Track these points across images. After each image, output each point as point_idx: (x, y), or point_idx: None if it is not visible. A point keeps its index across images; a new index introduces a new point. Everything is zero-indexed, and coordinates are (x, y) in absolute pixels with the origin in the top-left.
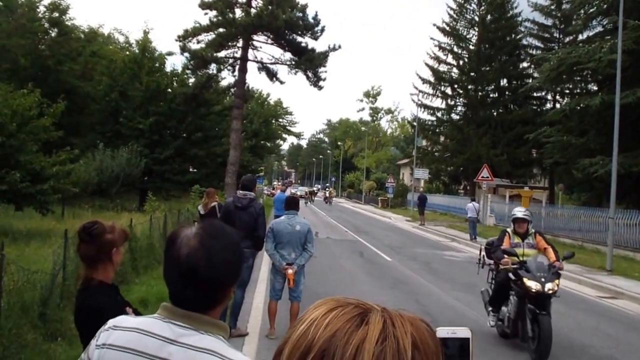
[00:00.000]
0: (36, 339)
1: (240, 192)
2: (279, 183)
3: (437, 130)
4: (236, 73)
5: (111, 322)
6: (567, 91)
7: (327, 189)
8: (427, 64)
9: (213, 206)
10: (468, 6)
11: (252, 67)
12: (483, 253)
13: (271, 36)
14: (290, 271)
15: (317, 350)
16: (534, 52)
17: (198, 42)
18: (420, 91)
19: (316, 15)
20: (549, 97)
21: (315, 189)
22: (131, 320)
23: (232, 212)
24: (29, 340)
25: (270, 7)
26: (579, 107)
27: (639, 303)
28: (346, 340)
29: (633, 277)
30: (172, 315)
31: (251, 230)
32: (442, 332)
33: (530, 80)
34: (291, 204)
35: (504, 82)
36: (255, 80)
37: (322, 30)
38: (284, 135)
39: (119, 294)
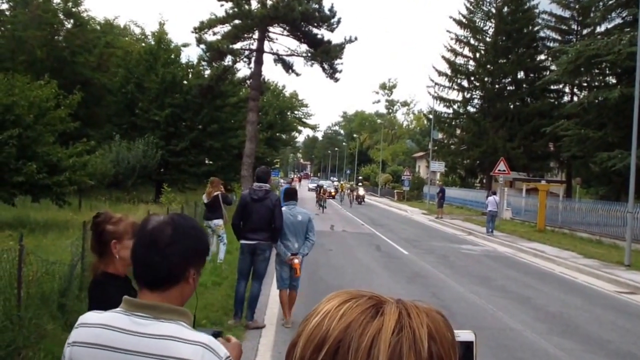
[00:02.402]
0: (55, 329)
1: (256, 184)
2: (296, 176)
3: (454, 122)
4: (252, 65)
5: (79, 320)
6: (585, 84)
7: (359, 185)
8: (443, 57)
9: (216, 195)
10: None
11: (268, 58)
12: None
13: (287, 28)
14: (296, 261)
15: (332, 341)
16: (551, 44)
17: (214, 33)
18: (436, 84)
19: (332, 7)
20: (567, 90)
21: (333, 183)
22: (96, 317)
23: (249, 205)
24: (49, 331)
25: None
26: (597, 100)
27: None
28: (362, 331)
29: None
30: (133, 307)
31: (268, 222)
32: None
33: (548, 73)
34: (290, 194)
35: (521, 74)
36: (271, 72)
37: (338, 22)
38: (300, 128)
39: (132, 287)
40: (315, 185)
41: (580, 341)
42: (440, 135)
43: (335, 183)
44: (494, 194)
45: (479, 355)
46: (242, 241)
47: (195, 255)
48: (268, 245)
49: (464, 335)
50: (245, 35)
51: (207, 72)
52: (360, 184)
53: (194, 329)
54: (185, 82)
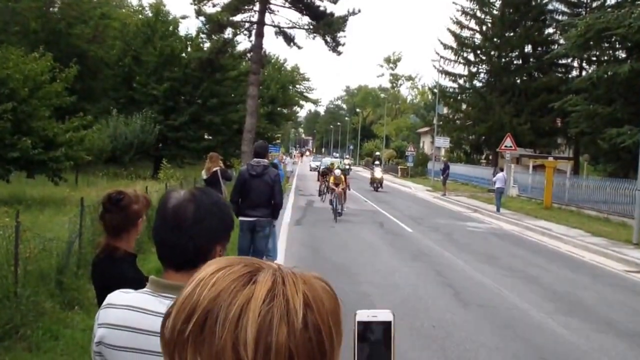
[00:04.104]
0: (54, 307)
1: (254, 159)
2: (298, 152)
3: (459, 97)
4: (252, 38)
5: (107, 300)
6: (595, 58)
7: (375, 164)
8: (449, 30)
9: (215, 171)
10: None
11: (269, 31)
12: None
13: None
14: None
15: (200, 311)
16: (560, 17)
17: (213, 5)
18: (441, 57)
19: None
20: (575, 64)
21: (336, 159)
22: (123, 297)
23: (247, 181)
24: (47, 309)
25: None
26: (606, 75)
27: None
28: (231, 300)
29: None
30: (161, 288)
31: (267, 198)
32: (363, 315)
33: (556, 47)
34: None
35: (528, 48)
36: (272, 45)
37: None
38: (301, 102)
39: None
40: (319, 164)
41: (588, 320)
42: (445, 110)
43: (347, 161)
44: (502, 170)
45: (487, 334)
46: (241, 218)
47: (221, 232)
48: (268, 222)
49: (381, 315)
50: (246, 7)
51: (207, 45)
52: (376, 162)
53: None
54: (184, 55)
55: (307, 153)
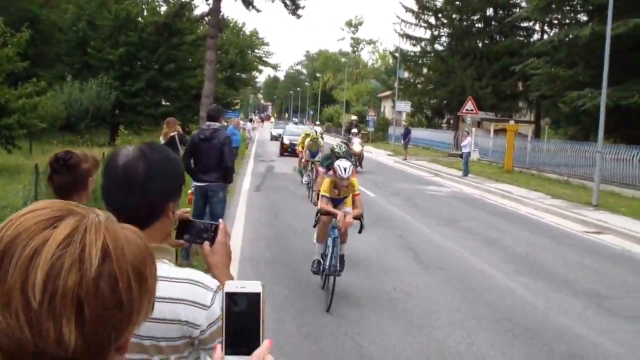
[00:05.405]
0: None
1: (206, 123)
2: (258, 117)
3: (420, 61)
4: (210, 1)
5: None
6: (556, 21)
7: (352, 134)
8: None
9: (172, 136)
10: None
11: None
12: None
13: None
14: (190, 191)
15: (0, 250)
16: None
17: None
18: (402, 20)
19: None
20: (537, 27)
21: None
22: None
23: (197, 145)
24: None
25: None
26: (568, 38)
27: (624, 238)
28: (27, 242)
29: (619, 212)
30: None
31: (217, 162)
32: (231, 286)
33: (518, 10)
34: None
35: (490, 11)
36: (230, 8)
37: None
38: (260, 67)
39: None
40: (282, 132)
41: (547, 280)
42: (406, 75)
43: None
44: (469, 134)
45: (448, 296)
46: (194, 183)
47: (173, 188)
48: (219, 187)
49: (250, 286)
50: None
51: (163, 8)
52: (354, 130)
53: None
54: (140, 19)
55: (271, 119)
